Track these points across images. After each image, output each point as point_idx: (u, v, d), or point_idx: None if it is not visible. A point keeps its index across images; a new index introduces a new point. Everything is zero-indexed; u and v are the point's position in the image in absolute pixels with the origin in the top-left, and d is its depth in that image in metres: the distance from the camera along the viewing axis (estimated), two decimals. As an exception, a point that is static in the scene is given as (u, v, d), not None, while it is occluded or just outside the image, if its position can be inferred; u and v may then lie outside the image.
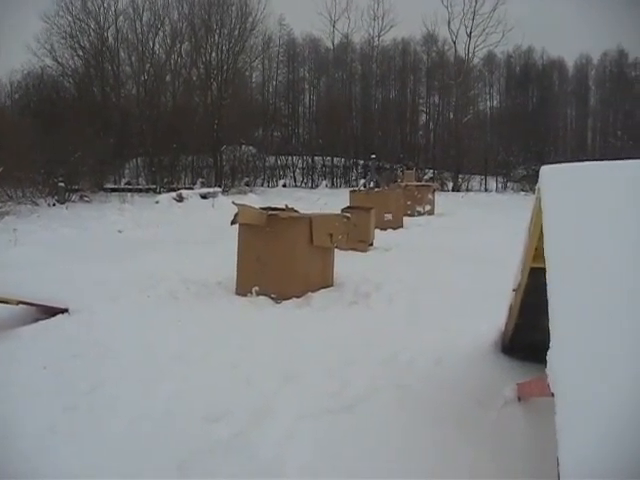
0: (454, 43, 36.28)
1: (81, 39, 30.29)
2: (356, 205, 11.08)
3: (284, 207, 6.76)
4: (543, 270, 2.29)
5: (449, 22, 35.71)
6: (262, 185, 31.70)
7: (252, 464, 2.77)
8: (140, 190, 25.41)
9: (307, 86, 38.87)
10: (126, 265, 7.66)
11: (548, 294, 2.15)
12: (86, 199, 21.16)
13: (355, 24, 57.32)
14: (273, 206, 6.82)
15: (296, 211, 6.64)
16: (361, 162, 33.47)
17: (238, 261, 6.29)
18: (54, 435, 3.07)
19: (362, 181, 30.76)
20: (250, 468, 2.74)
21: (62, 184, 19.91)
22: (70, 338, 4.66)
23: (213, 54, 31.11)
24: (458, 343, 4.32)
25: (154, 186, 26.26)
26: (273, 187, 31.56)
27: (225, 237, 7.77)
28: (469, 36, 35.49)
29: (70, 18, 29.65)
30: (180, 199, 19.01)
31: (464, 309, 5.40)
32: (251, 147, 31.21)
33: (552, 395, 1.90)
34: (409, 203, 15.88)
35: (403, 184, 18.07)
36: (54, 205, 18.67)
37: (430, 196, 17.17)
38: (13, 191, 18.18)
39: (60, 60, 30.19)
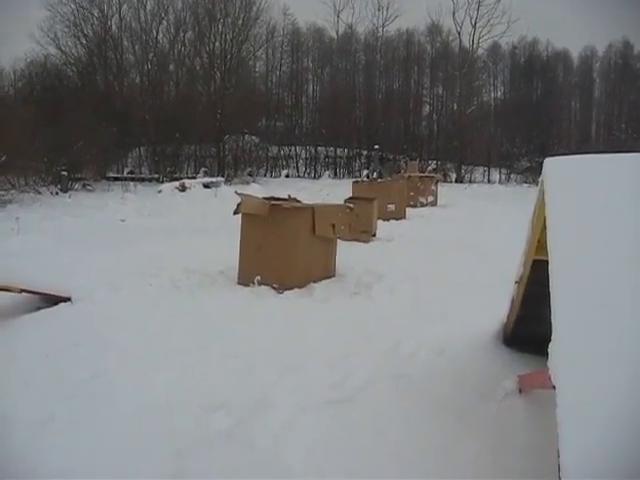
0: (459, 34, 36.27)
1: (84, 27, 30.36)
2: (359, 196, 11.05)
3: (287, 197, 6.75)
4: (546, 262, 2.28)
5: (454, 12, 35.71)
6: (265, 175, 31.67)
7: (252, 454, 2.77)
8: (143, 179, 25.41)
9: (311, 76, 38.71)
10: (128, 254, 7.67)
11: (550, 286, 2.14)
12: (89, 188, 21.18)
13: (359, 14, 57.41)
14: (276, 196, 6.81)
15: (299, 201, 6.63)
16: (364, 153, 33.30)
17: (240, 251, 6.28)
18: (53, 423, 3.08)
19: (365, 172, 30.68)
20: (250, 458, 2.74)
21: (65, 173, 19.93)
22: (72, 327, 4.67)
23: (217, 43, 31.09)
24: (459, 334, 4.32)
25: (157, 175, 26.27)
26: (276, 177, 31.56)
27: (227, 227, 7.77)
28: (474, 27, 35.47)
29: (73, 6, 29.77)
30: (183, 189, 18.98)
31: (466, 300, 5.40)
32: (254, 137, 31.13)
33: (553, 388, 1.89)
34: (412, 194, 15.83)
35: (406, 175, 18.02)
36: (57, 194, 18.70)
37: (433, 187, 17.13)
38: (16, 179, 18.21)
39: (63, 48, 30.30)
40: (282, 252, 6.01)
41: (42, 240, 8.57)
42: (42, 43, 29.63)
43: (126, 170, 28.21)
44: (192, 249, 8.09)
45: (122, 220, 12.30)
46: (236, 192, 6.51)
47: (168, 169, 27.10)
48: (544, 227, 2.53)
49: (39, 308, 5.16)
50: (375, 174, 20.69)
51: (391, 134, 34.55)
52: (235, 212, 6.21)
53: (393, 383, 3.54)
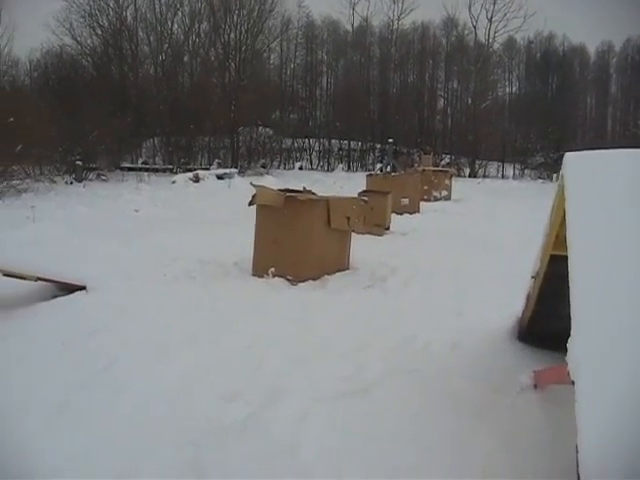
0: (474, 28, 36.06)
1: (100, 18, 30.38)
2: (373, 189, 11.03)
3: (302, 189, 6.75)
4: (564, 257, 2.27)
5: (470, 6, 35.49)
6: (278, 167, 31.64)
7: (267, 445, 2.77)
8: (157, 170, 25.45)
9: (325, 69, 38.69)
10: (142, 244, 7.70)
11: (570, 282, 2.12)
12: (103, 178, 21.25)
13: (375, 7, 57.21)
14: (291, 188, 6.81)
15: (314, 193, 6.63)
16: (378, 146, 33.19)
17: (255, 242, 6.29)
18: (66, 411, 3.09)
19: (379, 165, 30.58)
20: (265, 449, 2.74)
21: (79, 162, 20.01)
22: (87, 315, 4.70)
23: (232, 35, 31.04)
24: (473, 328, 4.31)
25: (171, 166, 26.29)
26: (289, 169, 31.50)
27: (241, 218, 7.78)
28: (490, 21, 35.24)
29: (89, -4, 29.65)
30: (196, 179, 19.03)
31: (479, 295, 5.38)
32: (268, 129, 31.07)
33: (572, 383, 1.88)
34: (426, 188, 15.80)
35: (420, 168, 17.97)
36: (71, 183, 18.78)
37: (447, 181, 17.10)
38: (31, 169, 18.28)
39: (79, 39, 30.31)
40: (296, 244, 6.01)
41: (57, 229, 8.60)
42: (58, 33, 29.69)
43: (140, 160, 28.24)
44: (206, 240, 8.11)
45: (136, 210, 12.34)
46: (251, 183, 6.52)
47: (182, 160, 27.11)
48: (563, 222, 2.51)
49: (55, 296, 5.19)
50: (389, 167, 20.59)
51: (405, 128, 34.36)
52: (250, 203, 6.22)
53: (406, 376, 3.53)
